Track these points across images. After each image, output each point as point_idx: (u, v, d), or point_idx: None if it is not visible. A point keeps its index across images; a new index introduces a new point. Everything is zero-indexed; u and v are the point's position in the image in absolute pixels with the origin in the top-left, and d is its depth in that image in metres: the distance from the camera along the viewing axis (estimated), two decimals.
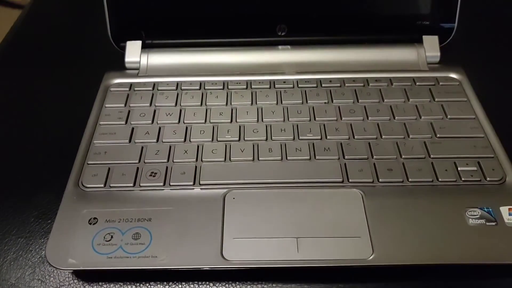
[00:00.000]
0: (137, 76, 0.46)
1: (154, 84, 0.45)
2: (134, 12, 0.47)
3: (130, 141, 0.40)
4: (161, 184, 0.36)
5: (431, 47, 0.47)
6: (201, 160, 0.38)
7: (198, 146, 0.39)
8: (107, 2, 0.46)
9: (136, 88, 0.45)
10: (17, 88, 0.49)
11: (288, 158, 0.38)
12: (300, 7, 0.47)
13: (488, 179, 0.36)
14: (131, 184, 0.36)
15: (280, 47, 0.48)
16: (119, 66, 0.47)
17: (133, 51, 0.47)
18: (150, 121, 0.42)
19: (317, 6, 0.47)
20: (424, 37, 0.47)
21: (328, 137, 0.40)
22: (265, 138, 0.40)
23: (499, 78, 0.48)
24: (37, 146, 0.42)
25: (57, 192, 0.37)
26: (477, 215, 0.34)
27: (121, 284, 0.34)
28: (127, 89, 0.45)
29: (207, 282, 0.34)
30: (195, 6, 0.47)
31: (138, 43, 0.47)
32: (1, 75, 0.52)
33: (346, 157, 0.38)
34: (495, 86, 0.47)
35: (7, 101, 0.48)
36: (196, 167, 0.38)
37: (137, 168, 0.37)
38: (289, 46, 0.48)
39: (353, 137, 0.40)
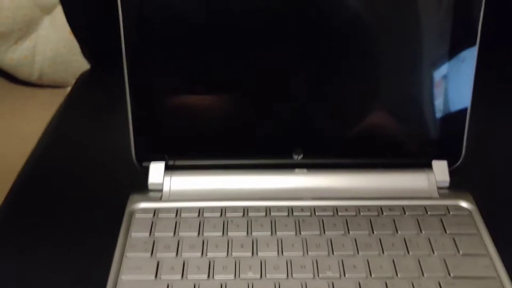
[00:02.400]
0: (160, 200, 0.48)
1: (177, 210, 0.47)
2: (159, 136, 0.50)
3: (156, 276, 0.41)
4: None
5: (440, 172, 0.50)
6: None
7: (221, 285, 0.41)
8: (133, 125, 0.49)
9: (160, 215, 0.47)
10: (42, 215, 0.51)
11: None
12: (315, 133, 0.50)
13: None
14: None
15: (296, 170, 0.50)
16: (141, 182, 0.49)
17: (156, 173, 0.50)
18: (174, 254, 0.43)
19: (331, 132, 0.50)
20: (434, 162, 0.50)
21: (346, 275, 0.41)
22: (285, 275, 0.41)
23: (508, 205, 0.50)
24: (62, 278, 0.44)
25: None
26: None
27: None
28: (152, 215, 0.47)
29: None
30: (216, 131, 0.50)
31: (162, 165, 0.50)
32: (26, 197, 0.54)
33: None
34: (504, 215, 0.49)
35: (28, 231, 0.49)
36: None
37: None
38: (305, 170, 0.50)
39: (370, 275, 0.41)
